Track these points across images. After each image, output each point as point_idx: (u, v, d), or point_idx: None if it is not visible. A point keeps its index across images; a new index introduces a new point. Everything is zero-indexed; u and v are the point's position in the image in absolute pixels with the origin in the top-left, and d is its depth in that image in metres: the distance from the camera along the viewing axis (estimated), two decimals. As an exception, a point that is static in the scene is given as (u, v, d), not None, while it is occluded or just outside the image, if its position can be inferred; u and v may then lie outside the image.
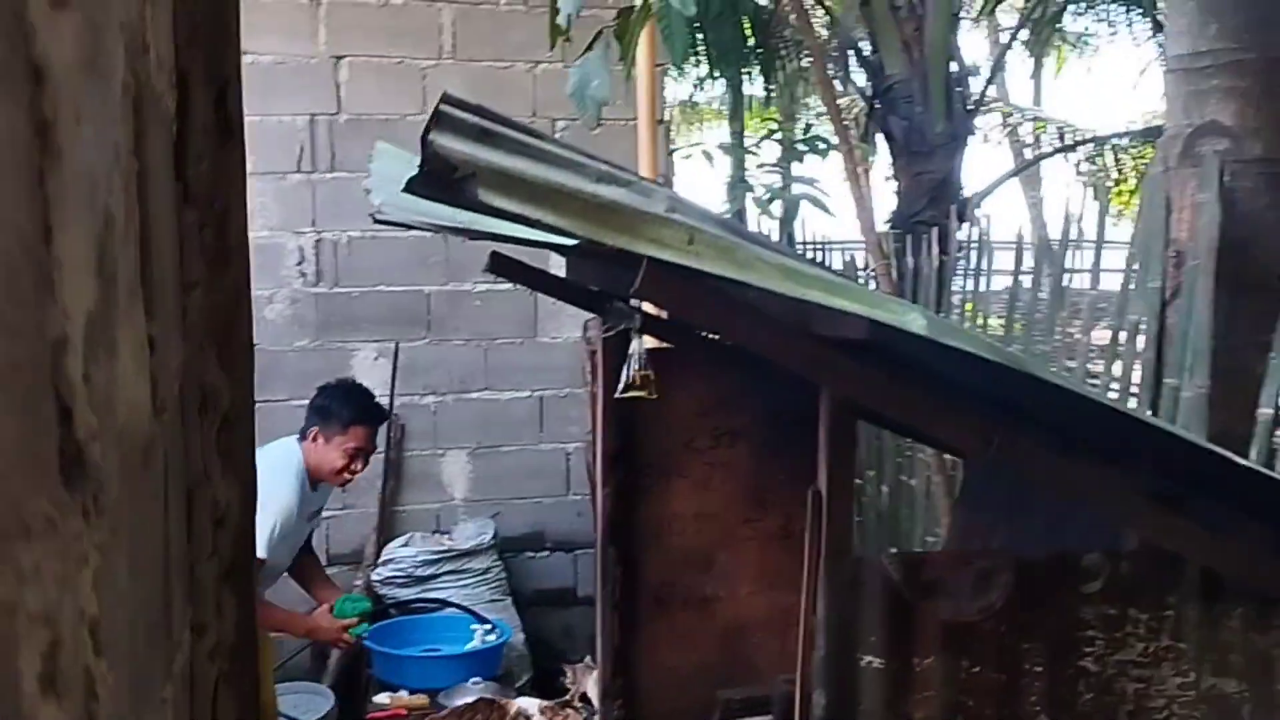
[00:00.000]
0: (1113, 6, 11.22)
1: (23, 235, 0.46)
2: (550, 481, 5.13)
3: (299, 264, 4.73)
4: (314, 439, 3.73)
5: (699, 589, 3.07)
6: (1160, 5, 9.46)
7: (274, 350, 4.66)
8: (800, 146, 7.28)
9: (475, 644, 4.21)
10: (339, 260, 4.80)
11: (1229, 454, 1.66)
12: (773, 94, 10.65)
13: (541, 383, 5.19)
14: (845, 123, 5.76)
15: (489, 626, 4.29)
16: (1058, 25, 11.43)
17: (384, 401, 4.85)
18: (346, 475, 3.77)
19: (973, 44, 23.19)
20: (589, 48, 3.09)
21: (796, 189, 6.96)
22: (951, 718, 1.74)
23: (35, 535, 0.46)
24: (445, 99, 1.22)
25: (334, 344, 4.82)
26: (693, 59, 9.14)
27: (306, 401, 4.35)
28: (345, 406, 3.76)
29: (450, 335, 5.06)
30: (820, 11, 9.83)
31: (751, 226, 7.69)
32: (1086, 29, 14.06)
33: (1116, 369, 3.64)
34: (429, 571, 4.56)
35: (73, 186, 0.50)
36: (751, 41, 9.24)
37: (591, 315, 5.28)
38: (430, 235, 4.91)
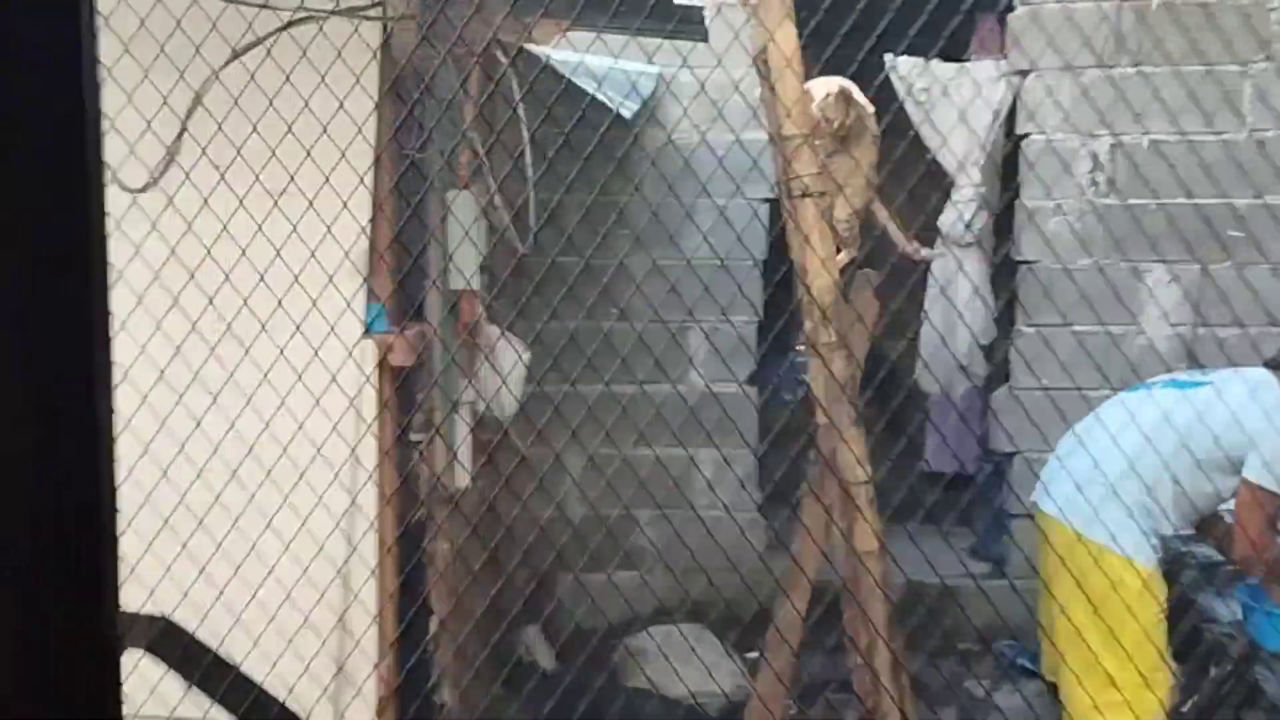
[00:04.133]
0: None
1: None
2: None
3: (1091, 171, 4.40)
4: None
5: None
6: None
7: (1053, 269, 4.42)
8: None
9: None
10: (1136, 168, 4.38)
11: None
12: None
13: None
14: None
15: None
16: None
17: (1180, 333, 4.40)
18: None
19: None
20: None
21: None
22: None
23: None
24: None
25: (1122, 263, 4.43)
26: None
27: (1086, 329, 4.13)
28: None
29: (1257, 258, 4.40)
30: None
31: None
32: None
33: None
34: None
35: None
36: None
37: None
38: (1243, 137, 4.31)
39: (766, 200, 4.60)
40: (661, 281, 4.58)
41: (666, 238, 4.57)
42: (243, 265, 2.75)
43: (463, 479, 2.99)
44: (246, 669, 1.93)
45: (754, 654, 4.47)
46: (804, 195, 2.66)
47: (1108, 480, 3.28)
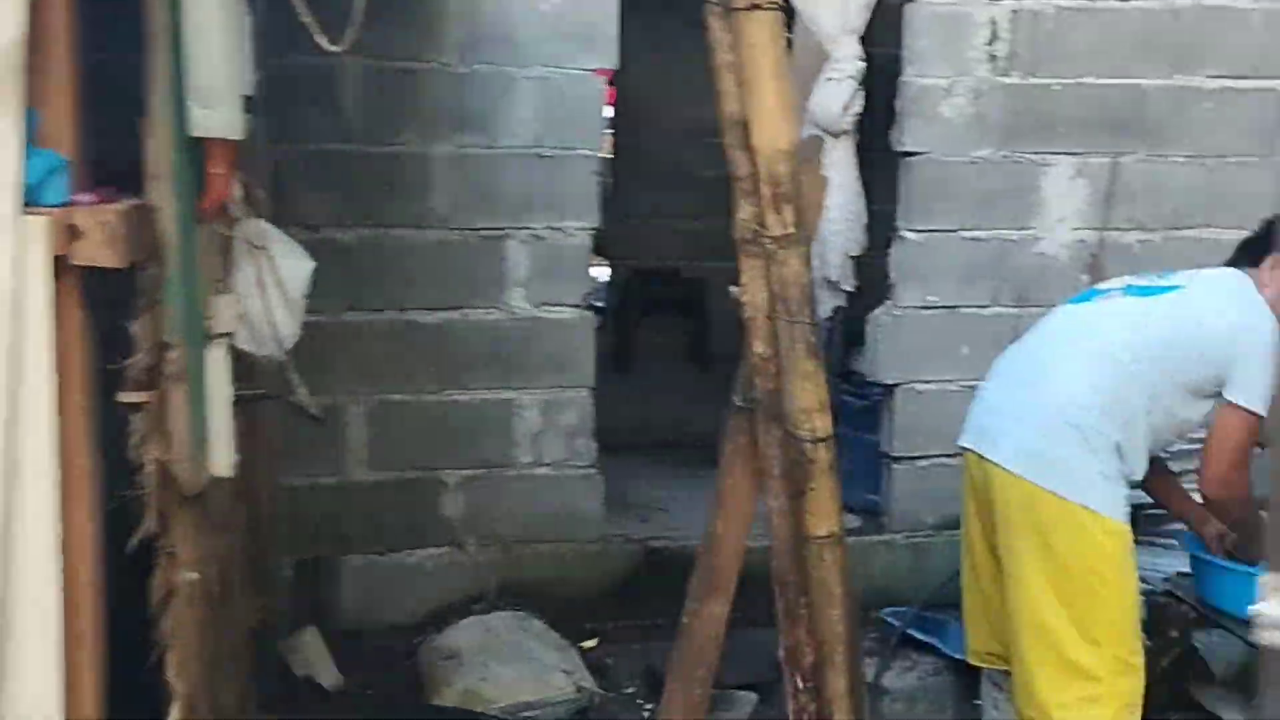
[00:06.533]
0: None
1: None
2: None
3: (989, 43, 3.66)
4: (1271, 269, 2.78)
5: None
6: None
7: (947, 160, 3.68)
8: None
9: None
10: (1039, 38, 3.68)
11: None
12: None
13: (1281, 220, 3.81)
14: None
15: None
16: None
17: (1086, 236, 3.77)
18: None
19: None
20: None
21: None
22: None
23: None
24: None
25: (1022, 155, 3.74)
26: None
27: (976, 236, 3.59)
28: None
29: (1170, 148, 3.81)
30: None
31: None
32: None
33: None
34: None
35: None
36: None
37: None
38: (1163, 7, 3.70)
39: (604, 74, 3.62)
40: (470, 176, 3.55)
41: (476, 119, 3.50)
42: None
43: (222, 462, 1.87)
44: None
45: (592, 643, 3.59)
46: (753, 6, 1.71)
47: (1073, 416, 2.57)
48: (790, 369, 1.94)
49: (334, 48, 1.85)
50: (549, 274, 3.64)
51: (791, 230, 1.85)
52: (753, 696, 3.34)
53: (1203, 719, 3.15)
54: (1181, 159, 3.87)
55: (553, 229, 3.63)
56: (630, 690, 3.41)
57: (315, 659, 3.31)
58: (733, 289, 2.03)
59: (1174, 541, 3.20)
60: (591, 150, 3.64)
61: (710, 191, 6.10)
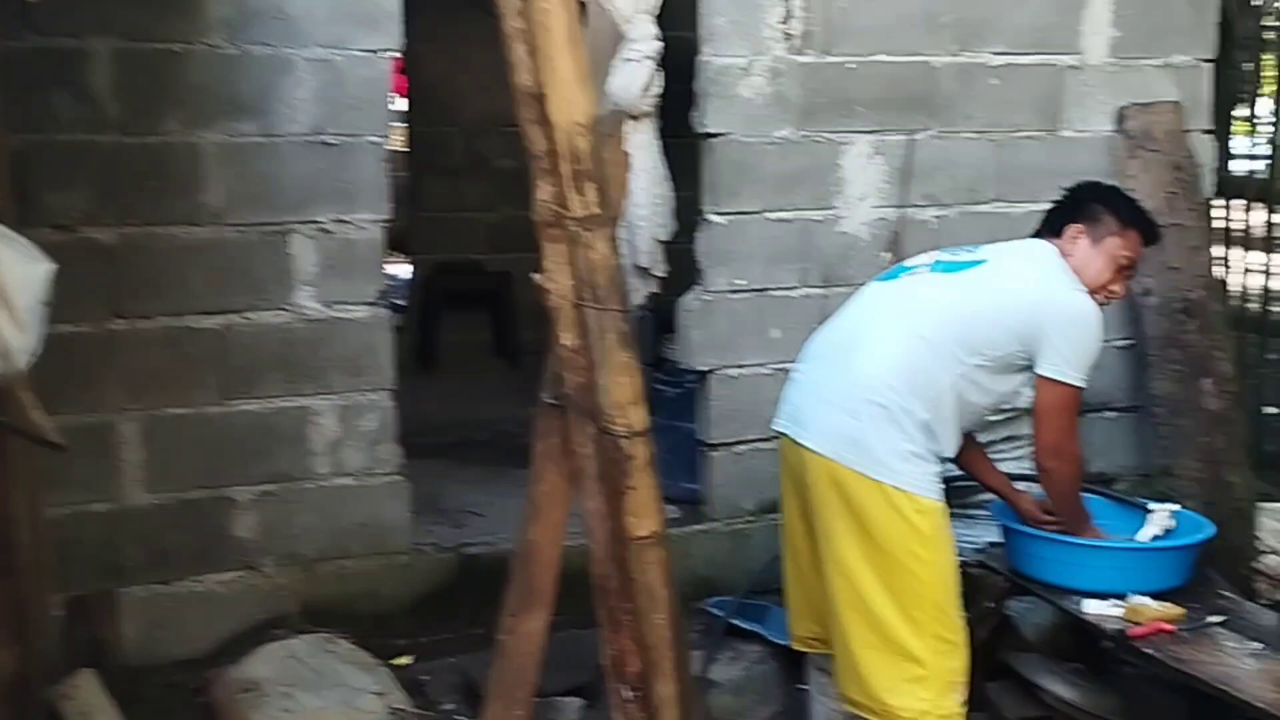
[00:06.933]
0: None
1: None
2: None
3: (784, 21, 3.62)
4: (1074, 239, 2.76)
5: None
6: None
7: (749, 141, 3.62)
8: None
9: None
10: (833, 16, 3.66)
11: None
12: None
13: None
14: None
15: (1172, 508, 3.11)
16: None
17: (886, 214, 3.79)
18: (1108, 294, 2.78)
19: None
20: None
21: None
22: None
23: None
24: None
25: (821, 135, 3.72)
26: None
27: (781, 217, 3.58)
28: (1119, 203, 2.82)
29: (960, 125, 3.86)
30: None
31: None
32: None
33: None
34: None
35: None
36: None
37: (1134, 101, 4.14)
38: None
39: (388, 53, 3.39)
40: (246, 167, 3.28)
41: (250, 104, 3.23)
42: None
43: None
44: None
45: (406, 660, 3.39)
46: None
47: (879, 396, 2.53)
48: (602, 361, 1.80)
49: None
50: (339, 270, 3.39)
51: (596, 210, 1.71)
52: (578, 703, 3.21)
53: (1017, 686, 3.19)
54: (971, 135, 3.92)
55: (341, 222, 3.38)
56: (448, 707, 3.22)
57: (92, 704, 2.98)
58: (535, 276, 1.88)
59: (985, 512, 3.23)
60: (379, 137, 3.40)
61: (510, 182, 6.01)
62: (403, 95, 7.09)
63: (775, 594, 3.60)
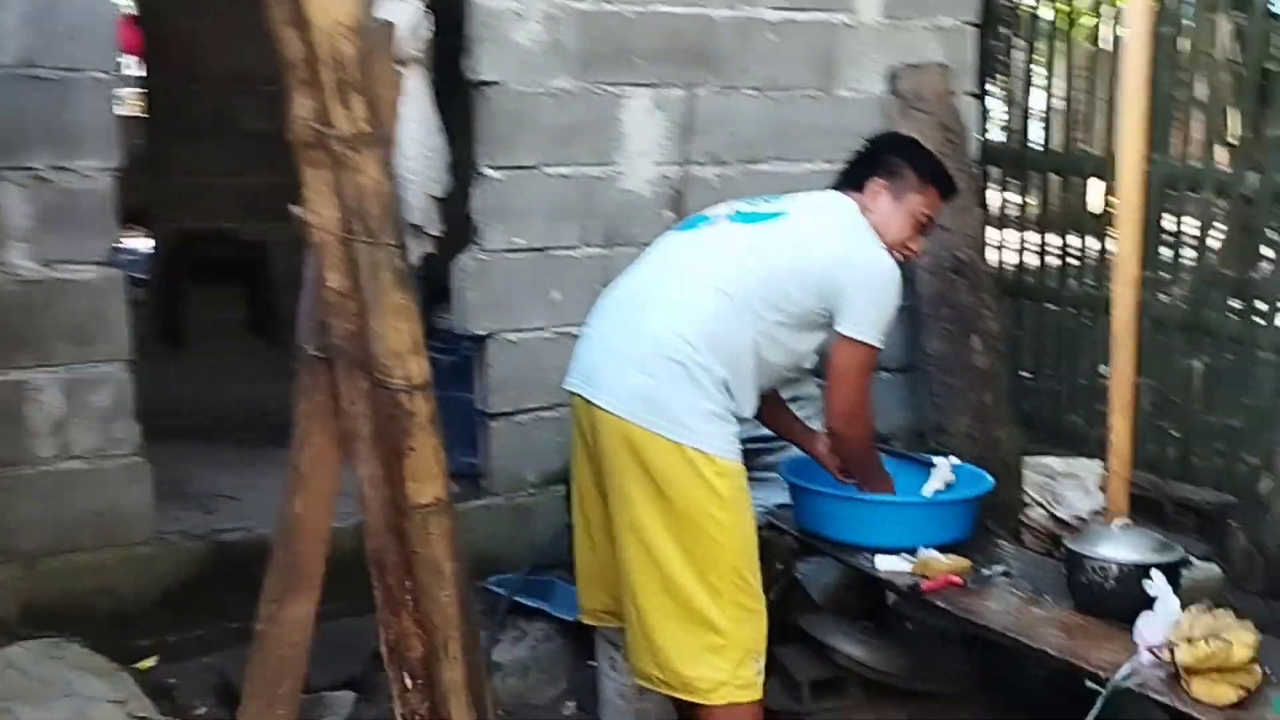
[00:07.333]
0: None
1: None
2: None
3: (561, -37, 3.46)
4: (875, 194, 2.66)
5: None
6: None
7: (525, 91, 3.42)
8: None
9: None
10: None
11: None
12: None
13: (838, 153, 3.91)
14: None
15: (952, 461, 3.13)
16: None
17: (668, 171, 3.67)
18: (906, 252, 2.71)
19: None
20: None
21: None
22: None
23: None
24: None
25: (601, 87, 3.56)
26: None
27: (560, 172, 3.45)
28: (919, 158, 2.75)
29: (739, 80, 3.79)
30: None
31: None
32: None
33: None
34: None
35: None
36: None
37: (904, 62, 4.18)
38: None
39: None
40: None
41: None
42: None
43: None
44: None
45: (150, 662, 3.03)
46: None
47: (677, 353, 2.40)
48: (375, 304, 1.56)
49: None
50: (60, 225, 2.96)
51: (365, 127, 1.47)
52: (350, 696, 2.96)
53: (808, 647, 3.15)
54: (751, 91, 3.85)
55: (61, 169, 2.95)
56: (201, 711, 2.91)
57: None
58: (293, 208, 1.62)
59: (772, 474, 3.17)
60: (105, 72, 2.99)
61: (262, 145, 5.53)
62: (137, 54, 6.50)
63: (561, 569, 3.45)
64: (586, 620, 2.80)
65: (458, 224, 3.51)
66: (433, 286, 3.85)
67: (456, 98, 3.52)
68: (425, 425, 1.62)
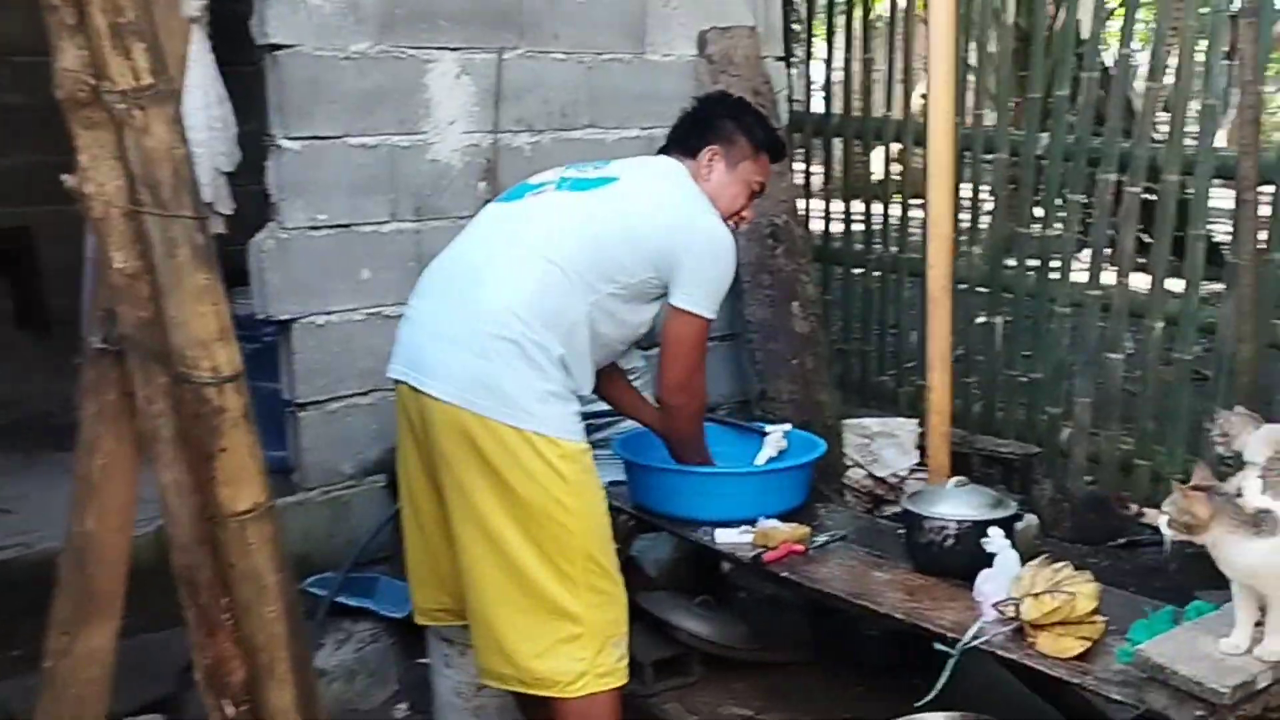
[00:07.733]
0: None
1: None
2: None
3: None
4: (709, 162, 2.55)
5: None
6: None
7: (321, 55, 3.18)
8: None
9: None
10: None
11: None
12: None
13: (652, 118, 3.85)
14: None
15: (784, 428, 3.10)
16: None
17: (479, 140, 3.51)
18: (739, 220, 2.64)
19: None
20: None
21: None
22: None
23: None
24: None
25: (403, 51, 3.35)
26: None
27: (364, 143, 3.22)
28: (753, 124, 2.63)
29: (549, 44, 3.65)
30: None
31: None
32: None
33: None
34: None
35: None
36: None
37: (713, 25, 4.11)
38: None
39: None
40: None
41: None
42: None
43: None
44: None
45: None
46: None
47: (509, 330, 2.26)
48: (173, 286, 1.35)
49: None
50: None
51: (149, 80, 1.26)
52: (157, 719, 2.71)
53: (647, 626, 3.07)
54: (561, 55, 3.71)
55: None
56: (-21, 757, 2.59)
57: None
58: (66, 178, 1.38)
59: (606, 451, 3.06)
60: None
61: (22, 121, 5.07)
62: None
63: (384, 563, 3.26)
64: (421, 621, 2.63)
65: (247, 201, 3.24)
66: (227, 269, 3.56)
67: (238, 64, 3.24)
68: (238, 422, 1.43)
